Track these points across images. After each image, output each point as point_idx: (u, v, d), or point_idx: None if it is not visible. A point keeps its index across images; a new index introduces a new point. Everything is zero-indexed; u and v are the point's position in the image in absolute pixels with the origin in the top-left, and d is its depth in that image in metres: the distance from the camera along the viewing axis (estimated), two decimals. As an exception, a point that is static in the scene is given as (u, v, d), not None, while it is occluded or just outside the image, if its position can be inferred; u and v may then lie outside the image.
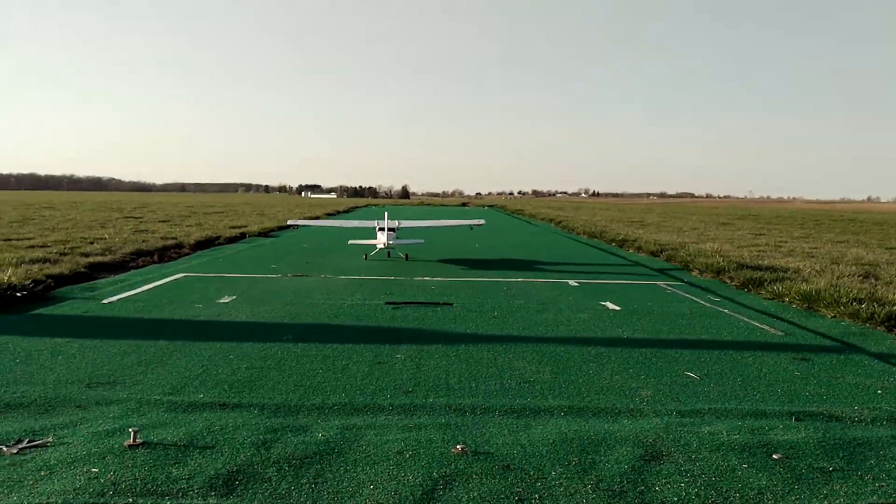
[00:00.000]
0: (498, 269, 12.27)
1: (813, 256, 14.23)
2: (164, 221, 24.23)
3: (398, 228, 14.05)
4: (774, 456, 3.67)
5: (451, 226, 18.80)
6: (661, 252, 15.03)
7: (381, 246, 13.21)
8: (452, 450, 3.67)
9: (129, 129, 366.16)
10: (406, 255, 13.81)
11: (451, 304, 8.34)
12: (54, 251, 12.73)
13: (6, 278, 8.24)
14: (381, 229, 13.47)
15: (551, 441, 3.82)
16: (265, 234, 20.76)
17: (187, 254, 14.32)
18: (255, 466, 3.40)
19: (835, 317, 7.98)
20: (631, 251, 16.60)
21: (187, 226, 21.69)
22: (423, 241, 14.61)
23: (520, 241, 19.95)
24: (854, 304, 8.12)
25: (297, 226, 21.06)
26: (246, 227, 21.96)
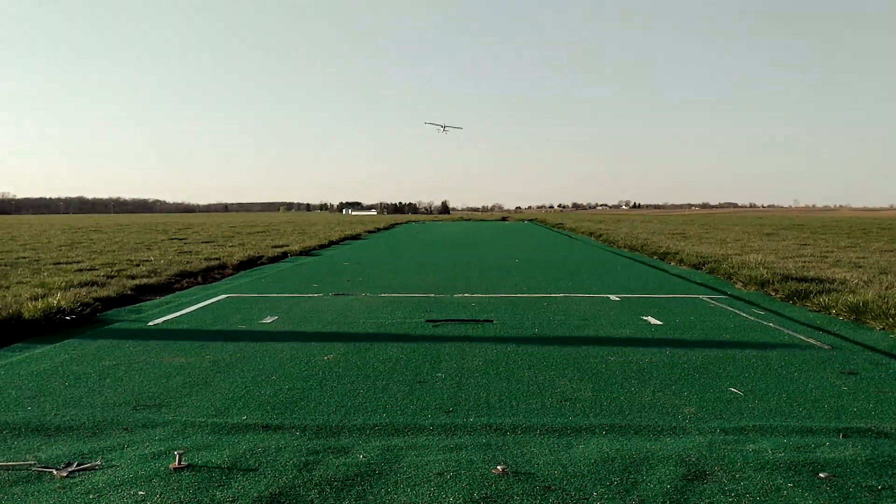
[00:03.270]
0: (538, 284, 12.23)
1: (860, 266, 13.94)
2: (207, 242, 24.60)
3: None
4: (821, 475, 3.60)
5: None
6: (704, 264, 14.83)
7: None
8: (493, 470, 3.66)
9: (173, 151, 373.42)
10: None
11: (492, 321, 8.34)
12: (101, 274, 13.00)
13: (56, 302, 8.46)
14: None
15: (593, 461, 3.79)
16: (307, 252, 20.95)
17: (230, 274, 14.52)
18: (298, 489, 3.43)
19: (883, 329, 7.81)
20: (673, 263, 16.42)
21: (230, 246, 21.99)
22: None
23: (560, 256, 19.85)
24: (903, 315, 7.95)
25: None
26: (288, 246, 22.19)
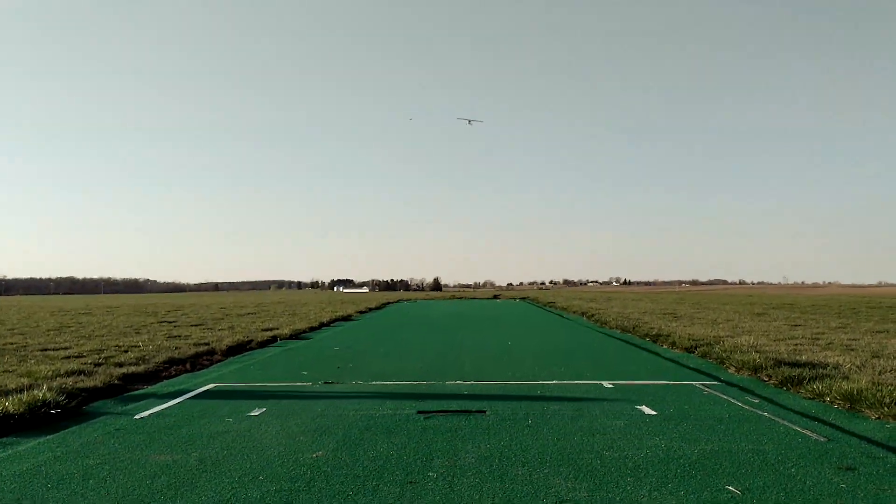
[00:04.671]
0: (531, 371, 12.13)
1: (852, 350, 13.91)
2: (197, 325, 24.44)
3: None
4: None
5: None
6: (696, 348, 14.79)
7: None
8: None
9: (163, 230, 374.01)
10: None
11: (485, 412, 8.23)
12: (89, 361, 12.86)
13: (41, 395, 8.33)
14: None
15: (589, 572, 3.68)
16: (297, 335, 20.82)
17: (219, 360, 14.38)
18: None
19: (879, 418, 7.74)
20: (665, 346, 16.37)
21: (220, 329, 21.84)
22: None
23: (553, 338, 19.77)
24: (898, 404, 7.90)
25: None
26: (278, 329, 22.07)
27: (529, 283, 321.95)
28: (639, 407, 8.55)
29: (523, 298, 77.11)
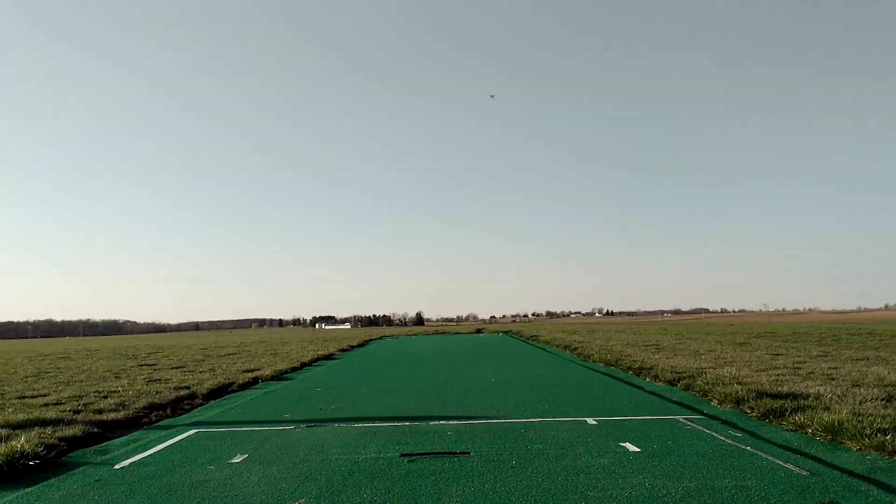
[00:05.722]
0: (515, 408, 12.11)
1: (833, 379, 14.00)
2: (177, 367, 24.20)
3: None
4: None
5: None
6: (679, 380, 14.83)
7: None
8: None
9: (142, 271, 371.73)
10: None
11: (468, 453, 8.20)
12: (68, 409, 12.70)
13: (19, 446, 8.21)
14: None
15: None
16: (278, 376, 20.66)
17: (200, 404, 14.24)
18: None
19: (860, 450, 7.79)
20: (648, 379, 16.40)
21: (200, 372, 21.64)
22: None
23: (536, 373, 19.73)
24: (879, 434, 7.96)
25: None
26: (259, 370, 21.89)
27: (512, 316, 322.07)
28: (623, 444, 8.56)
29: (506, 332, 76.98)
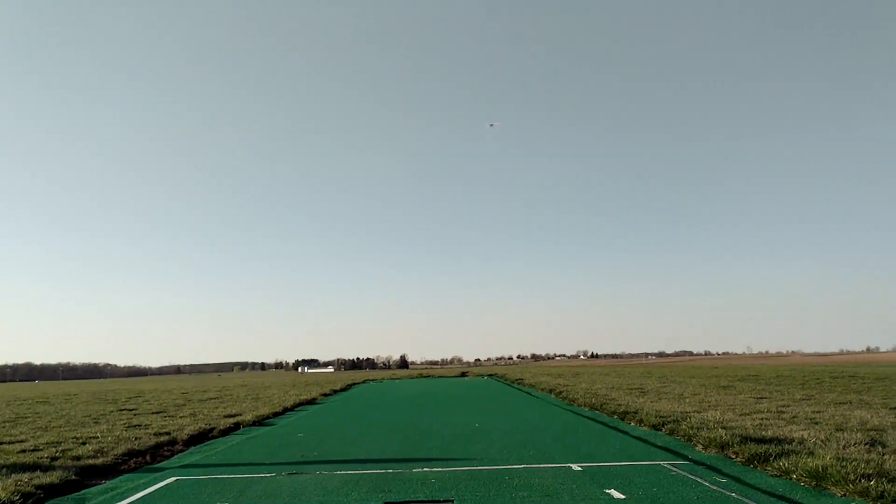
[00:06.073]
0: (500, 454, 12.02)
1: (817, 423, 14.02)
2: (157, 413, 23.88)
3: None
4: None
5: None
6: (664, 425, 14.79)
7: None
8: None
9: (123, 314, 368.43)
10: None
11: (452, 501, 8.12)
12: (46, 455, 12.51)
13: (-5, 496, 8.07)
14: None
15: None
16: (260, 421, 20.43)
17: (181, 450, 14.04)
18: None
19: (844, 495, 7.79)
20: (633, 423, 16.35)
21: (181, 417, 21.37)
22: None
23: (521, 418, 19.62)
24: (863, 480, 7.96)
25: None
26: (241, 415, 21.64)
27: (497, 359, 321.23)
28: (608, 490, 8.50)
29: (491, 375, 76.58)
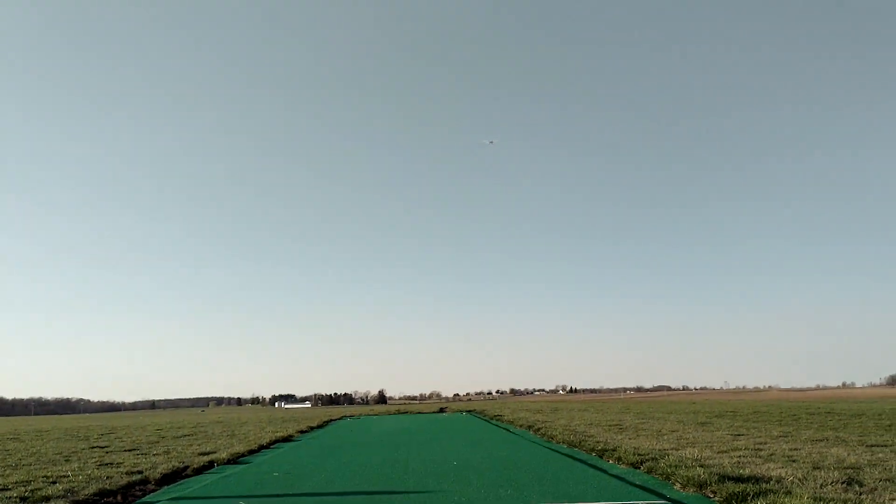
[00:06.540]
0: (477, 494, 11.92)
1: (794, 461, 14.04)
2: (130, 450, 23.49)
3: None
4: None
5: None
6: (642, 463, 14.75)
7: None
8: None
9: (97, 348, 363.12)
10: None
11: (428, 543, 8.02)
12: (14, 495, 12.27)
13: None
14: None
15: None
16: (235, 460, 20.14)
17: (153, 490, 13.80)
18: None
19: (822, 536, 7.78)
20: (611, 461, 16.29)
21: (154, 455, 21.03)
22: None
23: (499, 455, 19.49)
24: (840, 520, 7.97)
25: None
26: (215, 452, 21.34)
27: (476, 393, 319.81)
28: (586, 532, 8.44)
29: (470, 411, 76.09)
